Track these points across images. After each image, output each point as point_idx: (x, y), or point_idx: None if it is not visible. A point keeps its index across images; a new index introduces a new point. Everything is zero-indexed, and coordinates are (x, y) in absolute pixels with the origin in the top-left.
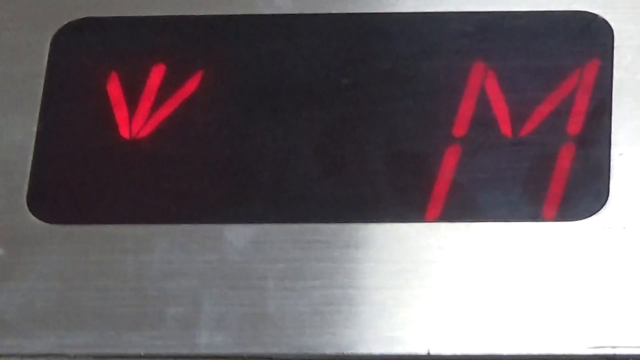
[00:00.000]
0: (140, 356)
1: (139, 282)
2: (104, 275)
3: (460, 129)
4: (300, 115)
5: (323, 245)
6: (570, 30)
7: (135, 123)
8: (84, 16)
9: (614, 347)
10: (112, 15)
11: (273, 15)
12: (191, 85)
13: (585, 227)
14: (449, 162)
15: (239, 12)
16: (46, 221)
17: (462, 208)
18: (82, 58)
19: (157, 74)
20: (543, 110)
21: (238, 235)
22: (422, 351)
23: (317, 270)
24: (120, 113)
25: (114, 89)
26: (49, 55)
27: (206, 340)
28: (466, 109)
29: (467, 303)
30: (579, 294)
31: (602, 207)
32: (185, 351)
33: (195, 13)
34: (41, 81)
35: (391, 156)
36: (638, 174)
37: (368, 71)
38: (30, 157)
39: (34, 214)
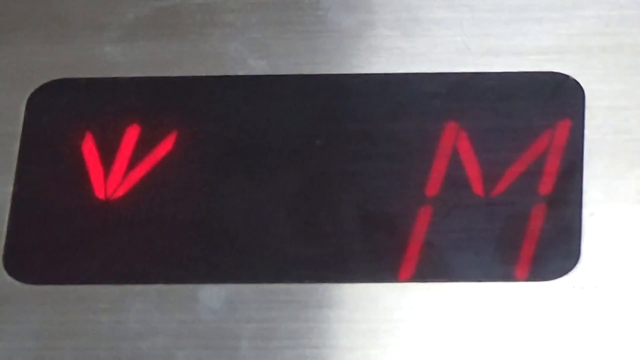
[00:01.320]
0: None
1: (114, 342)
2: (79, 335)
3: (432, 189)
4: (273, 175)
5: (296, 305)
6: (542, 91)
7: (110, 184)
8: (59, 77)
9: None
10: (87, 76)
11: (246, 76)
12: (166, 145)
13: (557, 287)
14: (422, 222)
15: (212, 74)
16: (22, 281)
17: (435, 268)
18: (57, 119)
19: (131, 135)
20: (515, 170)
21: (212, 295)
22: None
23: (290, 330)
24: (96, 174)
25: (89, 149)
26: (24, 116)
27: None
28: (438, 169)
29: None
30: (551, 353)
31: (573, 266)
32: None
33: (170, 74)
34: (17, 142)
35: (364, 216)
36: (609, 234)
37: (341, 132)
38: (7, 218)
39: (10, 274)
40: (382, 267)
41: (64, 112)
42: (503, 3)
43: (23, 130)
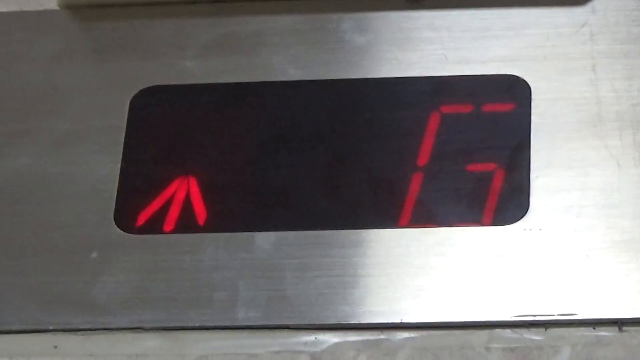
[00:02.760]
0: (196, 327)
1: (194, 275)
2: (168, 270)
3: (422, 160)
4: (306, 152)
5: (324, 246)
6: (500, 88)
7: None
8: (152, 84)
9: (534, 315)
10: (172, 83)
11: (287, 81)
12: (231, 130)
13: (512, 229)
14: (415, 184)
15: (262, 80)
16: (127, 232)
17: (425, 217)
18: (152, 115)
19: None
20: (481, 146)
21: (264, 240)
22: (397, 320)
23: (320, 264)
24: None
25: (176, 135)
26: (128, 112)
27: (243, 316)
28: (427, 146)
29: (428, 283)
30: (508, 276)
31: (524, 214)
32: (227, 323)
33: (232, 81)
34: (123, 131)
35: (372, 180)
36: (550, 191)
37: (355, 120)
38: (116, 186)
39: (118, 227)
40: (386, 217)
41: (157, 109)
42: (472, 25)
43: (127, 123)
